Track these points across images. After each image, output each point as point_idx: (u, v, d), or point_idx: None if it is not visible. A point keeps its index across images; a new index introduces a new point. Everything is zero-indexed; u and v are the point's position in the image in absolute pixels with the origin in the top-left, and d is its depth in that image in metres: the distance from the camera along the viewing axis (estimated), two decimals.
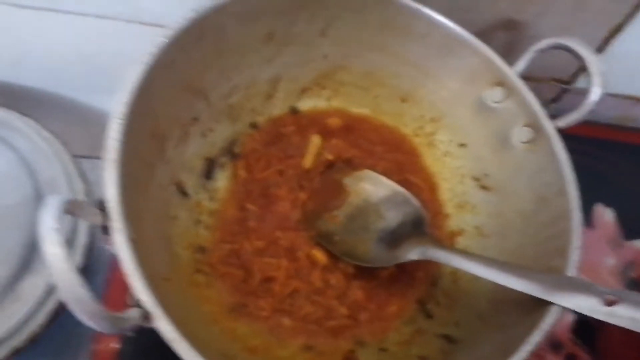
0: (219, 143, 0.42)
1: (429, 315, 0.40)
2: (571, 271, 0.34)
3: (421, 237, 0.40)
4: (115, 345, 0.41)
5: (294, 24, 0.41)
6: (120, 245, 0.27)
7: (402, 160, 0.45)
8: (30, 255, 0.43)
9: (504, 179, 0.42)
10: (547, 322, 0.31)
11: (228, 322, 0.37)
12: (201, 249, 0.39)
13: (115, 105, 0.31)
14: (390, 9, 0.41)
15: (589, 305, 0.30)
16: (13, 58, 0.53)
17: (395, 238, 0.41)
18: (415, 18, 0.41)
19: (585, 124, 0.40)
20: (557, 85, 0.56)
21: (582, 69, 0.39)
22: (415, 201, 0.42)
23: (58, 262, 0.23)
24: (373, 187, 0.44)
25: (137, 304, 0.27)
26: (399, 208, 0.42)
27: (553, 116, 0.40)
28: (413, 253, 0.38)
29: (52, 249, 0.23)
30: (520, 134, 0.41)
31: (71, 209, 0.26)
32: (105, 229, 0.28)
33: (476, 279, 0.40)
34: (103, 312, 0.24)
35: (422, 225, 0.41)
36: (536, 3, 0.46)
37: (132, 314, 0.27)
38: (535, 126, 0.40)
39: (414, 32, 0.42)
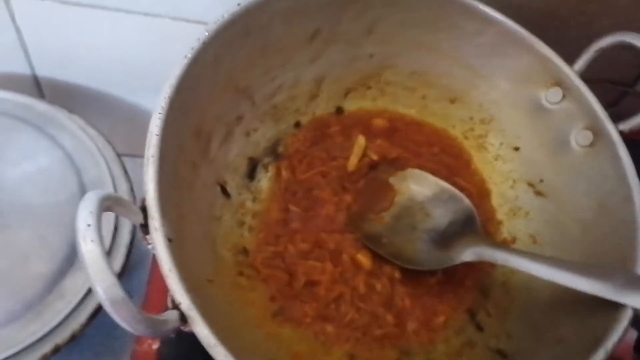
0: (263, 143, 0.41)
1: (479, 327, 0.38)
2: None
3: (474, 237, 0.38)
4: (155, 346, 0.40)
5: (340, 22, 0.40)
6: (158, 244, 0.27)
7: (450, 163, 0.43)
8: (74, 253, 0.43)
9: (561, 185, 0.40)
10: (616, 333, 0.29)
11: (272, 326, 0.36)
12: (244, 251, 0.38)
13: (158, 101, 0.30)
14: (440, 6, 0.40)
15: None
16: (62, 56, 0.53)
17: (446, 238, 0.39)
18: (468, 15, 0.40)
19: None
20: (613, 88, 0.53)
21: None
22: (464, 198, 0.40)
23: (93, 259, 0.22)
24: (418, 185, 0.42)
25: (175, 307, 0.26)
26: (447, 206, 0.41)
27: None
28: (466, 254, 0.37)
29: (87, 245, 0.22)
30: (579, 137, 0.39)
31: (110, 205, 0.25)
32: (144, 228, 0.28)
33: (529, 289, 0.38)
34: (139, 314, 0.23)
35: (473, 223, 0.39)
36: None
37: (170, 316, 0.26)
38: (596, 129, 0.38)
39: (466, 29, 0.41)
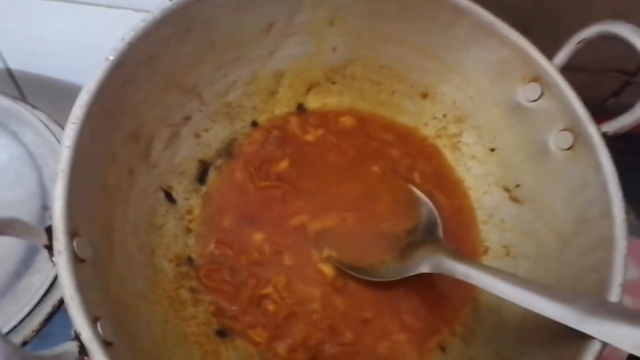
0: (215, 144, 0.39)
1: (442, 347, 0.35)
2: None
3: (434, 245, 0.35)
4: None
5: (297, 13, 0.36)
6: (61, 269, 0.24)
7: (421, 165, 0.40)
8: (31, 254, 0.43)
9: (539, 191, 0.36)
10: None
11: (213, 345, 0.33)
12: (189, 261, 0.36)
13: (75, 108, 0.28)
14: None
15: (635, 340, 0.24)
16: (30, 48, 0.52)
17: (407, 246, 0.36)
18: (439, 4, 0.36)
19: None
20: (617, 77, 0.48)
21: None
22: (427, 201, 0.38)
23: None
24: None
25: (77, 337, 0.24)
26: (410, 210, 0.38)
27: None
28: (424, 265, 0.34)
29: None
30: (558, 140, 0.35)
31: (2, 229, 0.23)
32: (50, 250, 0.25)
33: (499, 311, 0.35)
34: (15, 352, 0.21)
35: (435, 230, 0.36)
36: None
37: (68, 348, 0.24)
38: (576, 131, 0.34)
39: (437, 20, 0.37)
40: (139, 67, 0.31)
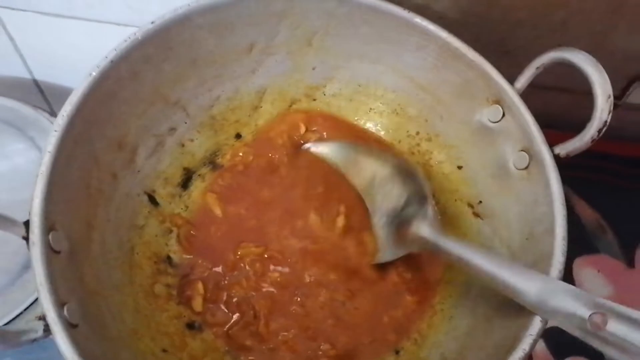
0: (200, 153, 0.42)
1: (395, 350, 0.37)
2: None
3: (422, 220, 0.37)
4: None
5: (276, 34, 0.39)
6: (34, 258, 0.28)
7: None
8: None
9: (498, 207, 0.38)
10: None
11: (181, 336, 0.36)
12: (168, 260, 0.39)
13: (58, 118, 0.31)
14: (379, 19, 0.38)
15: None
16: (48, 61, 0.56)
17: (401, 222, 0.38)
18: (408, 29, 0.38)
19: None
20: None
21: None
22: (418, 172, 0.40)
23: None
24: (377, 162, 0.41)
25: (43, 317, 0.28)
26: (405, 184, 0.40)
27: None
28: (415, 245, 0.36)
29: None
30: (516, 159, 0.37)
31: None
32: (27, 241, 0.29)
33: (450, 318, 0.37)
34: None
35: (425, 203, 0.37)
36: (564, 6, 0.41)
37: (33, 326, 0.27)
38: (531, 151, 0.35)
39: (407, 44, 0.39)
40: (122, 82, 0.35)
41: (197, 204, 0.41)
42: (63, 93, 0.60)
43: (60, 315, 0.28)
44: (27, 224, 0.29)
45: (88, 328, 0.29)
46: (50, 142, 0.31)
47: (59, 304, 0.28)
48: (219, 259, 0.39)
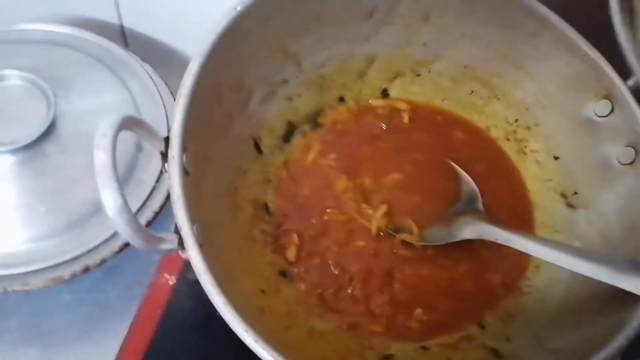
0: (304, 110, 0.43)
1: (481, 325, 0.38)
2: None
3: (476, 215, 0.39)
4: (172, 282, 0.43)
5: (398, 4, 0.40)
6: (172, 173, 0.29)
7: (486, 164, 0.43)
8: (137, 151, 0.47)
9: (595, 199, 0.39)
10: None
11: (274, 282, 0.37)
12: (265, 207, 0.40)
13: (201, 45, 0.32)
14: (502, 2, 0.39)
15: None
16: (140, 9, 0.57)
17: (449, 215, 0.40)
18: (528, 14, 0.39)
19: None
20: None
21: None
22: (465, 175, 0.41)
23: (101, 167, 0.24)
24: None
25: (177, 231, 0.28)
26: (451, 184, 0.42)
27: None
28: (467, 231, 0.38)
29: (99, 153, 0.25)
30: (620, 154, 0.37)
31: (130, 125, 0.27)
32: (164, 156, 0.30)
33: (541, 299, 0.37)
34: (135, 223, 0.25)
35: (476, 201, 0.40)
36: None
37: (169, 238, 0.28)
38: (638, 147, 0.36)
39: (524, 29, 0.40)
40: (256, 23, 0.35)
41: (295, 159, 0.42)
42: (147, 44, 0.61)
43: (193, 232, 0.28)
44: (167, 140, 0.30)
45: (209, 250, 0.30)
46: (193, 65, 0.32)
47: (191, 221, 0.29)
48: (312, 215, 0.40)
